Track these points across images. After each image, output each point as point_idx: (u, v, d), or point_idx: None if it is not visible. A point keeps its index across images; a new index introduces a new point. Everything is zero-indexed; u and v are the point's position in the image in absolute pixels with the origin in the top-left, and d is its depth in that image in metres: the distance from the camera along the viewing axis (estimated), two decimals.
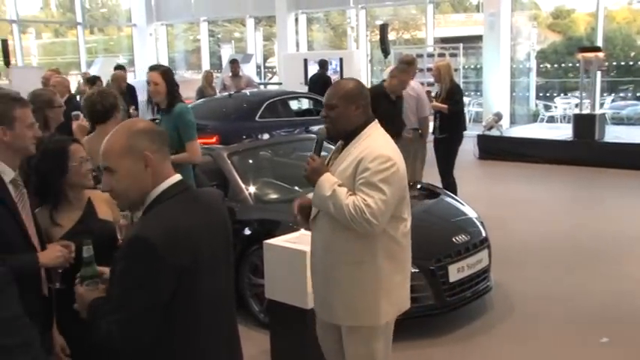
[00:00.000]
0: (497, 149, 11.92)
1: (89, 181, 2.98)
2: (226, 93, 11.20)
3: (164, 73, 4.88)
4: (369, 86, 7.56)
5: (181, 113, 4.78)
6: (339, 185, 2.90)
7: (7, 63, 15.31)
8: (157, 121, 4.93)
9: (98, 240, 2.47)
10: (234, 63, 12.72)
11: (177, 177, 2.13)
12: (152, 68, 4.97)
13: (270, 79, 19.66)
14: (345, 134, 3.03)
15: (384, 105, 6.51)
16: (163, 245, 1.91)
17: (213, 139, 8.02)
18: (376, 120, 3.07)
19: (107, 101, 4.35)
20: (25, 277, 2.46)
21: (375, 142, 2.94)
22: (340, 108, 2.98)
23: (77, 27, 20.67)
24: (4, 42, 15.71)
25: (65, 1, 21.59)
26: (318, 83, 12.47)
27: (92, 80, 9.57)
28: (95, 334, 2.01)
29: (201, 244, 2.02)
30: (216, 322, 2.12)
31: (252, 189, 5.32)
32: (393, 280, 3.04)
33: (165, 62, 21.53)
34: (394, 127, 6.53)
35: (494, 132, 12.50)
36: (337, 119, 3.00)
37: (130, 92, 10.26)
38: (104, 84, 10.08)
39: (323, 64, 13.18)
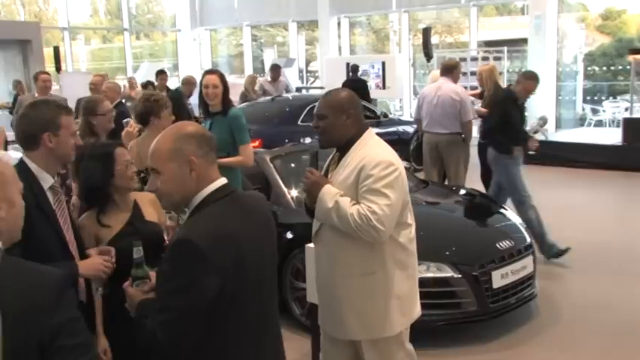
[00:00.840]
0: (542, 154, 11.62)
1: (134, 184, 3.05)
2: (267, 97, 11.28)
3: (222, 76, 4.98)
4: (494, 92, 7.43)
5: (236, 117, 4.87)
6: (341, 196, 2.88)
7: (58, 69, 15.71)
8: (203, 124, 4.99)
9: (146, 241, 2.51)
10: (275, 69, 12.82)
11: (223, 181, 2.15)
12: (210, 72, 5.03)
13: (312, 83, 19.71)
14: (337, 144, 3.01)
15: (515, 111, 6.45)
16: (208, 248, 1.93)
17: (256, 143, 8.08)
18: (370, 128, 3.06)
19: (156, 104, 4.43)
20: None
21: (373, 149, 2.93)
22: (330, 118, 2.96)
23: (124, 33, 21.12)
24: (56, 49, 16.13)
25: (113, 8, 22.06)
26: (351, 89, 12.49)
27: (145, 86, 9.75)
28: (140, 334, 2.04)
29: (245, 247, 2.04)
30: (260, 324, 2.14)
31: (294, 193, 5.34)
32: (403, 287, 3.01)
33: (208, 66, 21.80)
34: (521, 135, 6.50)
35: (539, 136, 12.27)
36: (328, 129, 2.98)
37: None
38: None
39: (355, 69, 13.20)
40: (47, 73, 8.44)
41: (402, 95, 16.82)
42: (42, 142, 2.60)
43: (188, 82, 10.09)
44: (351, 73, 13.37)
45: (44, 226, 2.53)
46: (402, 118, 13.55)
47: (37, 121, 2.62)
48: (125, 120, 4.87)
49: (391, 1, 17.21)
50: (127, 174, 2.98)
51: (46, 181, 2.62)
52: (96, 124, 4.45)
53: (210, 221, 2.03)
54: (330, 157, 3.14)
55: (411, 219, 3.05)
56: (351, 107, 2.98)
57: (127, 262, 2.63)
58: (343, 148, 2.99)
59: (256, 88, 12.46)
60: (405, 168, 6.26)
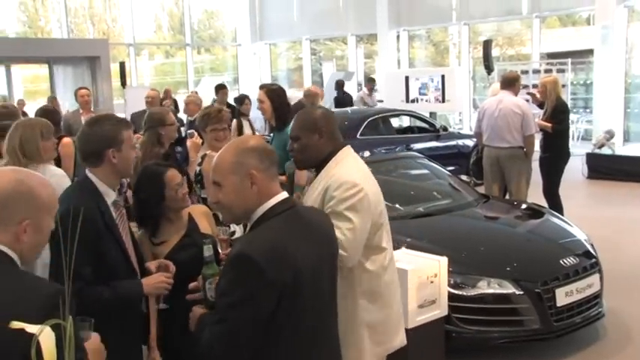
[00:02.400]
0: (609, 168, 11.34)
1: (186, 202, 3.09)
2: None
3: (268, 91, 5.00)
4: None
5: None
6: None
7: (123, 84, 16.22)
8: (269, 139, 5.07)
9: (201, 253, 2.56)
10: (370, 82, 13.23)
11: (284, 195, 2.16)
12: (260, 87, 5.14)
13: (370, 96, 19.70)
14: (314, 164, 2.87)
15: None
16: (266, 262, 1.94)
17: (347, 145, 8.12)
18: (348, 145, 2.90)
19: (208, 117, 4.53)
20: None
21: (341, 169, 2.75)
22: (303, 139, 2.82)
23: (186, 48, 21.65)
24: (122, 64, 16.67)
25: (176, 24, 22.65)
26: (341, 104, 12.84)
27: (240, 99, 9.66)
28: (198, 346, 2.08)
29: (304, 262, 2.04)
30: (316, 338, 2.14)
31: None
32: (376, 316, 2.80)
33: (268, 80, 22.12)
34: None
35: (606, 150, 11.92)
36: (302, 150, 2.83)
37: None
38: (210, 102, 10.48)
39: (341, 85, 13.31)
40: (86, 89, 8.72)
41: (461, 108, 16.62)
42: (106, 159, 2.63)
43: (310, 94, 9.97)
44: (336, 90, 13.59)
45: (109, 241, 2.59)
46: (461, 131, 13.39)
47: (100, 137, 2.66)
48: (190, 131, 5.02)
49: (451, 13, 17.10)
50: (177, 197, 3.04)
51: (109, 196, 2.67)
52: (164, 134, 4.62)
53: (269, 236, 2.04)
54: (311, 176, 3.03)
55: (386, 242, 2.83)
56: (325, 125, 2.82)
57: (184, 274, 2.70)
58: (319, 168, 2.85)
59: (355, 99, 12.89)
60: (465, 182, 6.27)
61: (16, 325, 1.33)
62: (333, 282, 2.25)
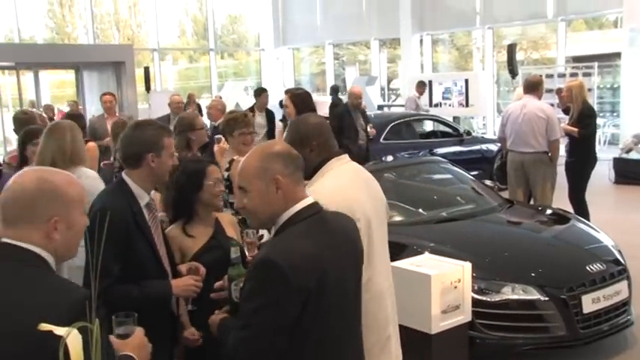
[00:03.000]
0: (636, 173, 11.18)
1: (219, 202, 3.14)
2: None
3: (293, 96, 5.04)
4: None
5: None
6: None
7: (147, 88, 16.37)
8: None
9: (228, 256, 2.58)
10: (421, 85, 13.30)
11: (309, 200, 2.16)
12: (285, 91, 5.18)
13: (394, 101, 19.66)
14: (308, 175, 2.64)
15: None
16: (290, 268, 1.94)
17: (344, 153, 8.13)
18: (334, 158, 2.69)
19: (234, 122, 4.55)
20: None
21: (316, 185, 2.58)
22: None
23: (209, 53, 21.81)
24: (146, 69, 16.84)
25: (199, 29, 22.83)
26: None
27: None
28: (223, 350, 2.09)
29: (328, 267, 2.04)
30: (341, 344, 2.13)
31: None
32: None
33: (291, 85, 22.19)
34: None
35: (634, 155, 11.75)
36: None
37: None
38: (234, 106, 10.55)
39: (335, 90, 13.28)
40: (110, 94, 8.82)
41: (485, 113, 16.52)
42: (145, 162, 2.70)
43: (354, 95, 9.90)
44: (331, 95, 13.56)
45: (141, 242, 2.64)
46: (485, 136, 13.31)
47: (141, 141, 2.73)
48: (217, 136, 5.06)
49: (475, 17, 17.01)
50: (214, 190, 3.09)
51: (143, 198, 2.73)
52: (194, 138, 4.68)
53: (294, 241, 2.05)
54: None
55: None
56: (314, 138, 2.65)
57: (209, 276, 2.72)
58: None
59: (405, 103, 12.91)
60: (489, 187, 6.22)
61: (44, 327, 1.34)
62: (357, 285, 2.24)
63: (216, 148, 4.97)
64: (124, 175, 2.77)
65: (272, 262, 1.96)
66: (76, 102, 14.25)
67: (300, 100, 5.00)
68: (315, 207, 2.16)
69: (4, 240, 1.73)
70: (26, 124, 5.21)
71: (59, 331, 1.32)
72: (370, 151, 8.85)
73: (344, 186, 2.63)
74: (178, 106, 8.52)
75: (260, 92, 9.69)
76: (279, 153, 2.16)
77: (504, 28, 17.25)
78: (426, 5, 17.63)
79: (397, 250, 4.68)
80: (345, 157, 2.78)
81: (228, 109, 7.10)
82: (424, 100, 14.52)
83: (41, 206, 1.74)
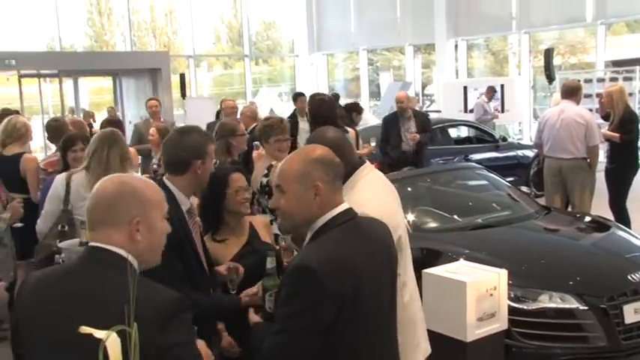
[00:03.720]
0: None
1: (245, 209, 3.11)
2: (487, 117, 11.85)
3: (309, 102, 5.11)
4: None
5: None
6: None
7: (183, 95, 16.58)
8: None
9: (264, 261, 2.59)
10: (490, 90, 13.15)
11: (345, 206, 2.17)
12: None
13: (429, 106, 19.57)
14: None
15: None
16: (326, 273, 1.95)
17: (373, 167, 8.10)
18: (361, 168, 2.72)
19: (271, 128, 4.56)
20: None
21: (355, 198, 2.50)
22: None
23: (244, 59, 21.99)
24: (182, 76, 17.06)
25: (234, 35, 23.04)
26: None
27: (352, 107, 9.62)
28: (258, 354, 2.10)
29: (363, 273, 2.04)
30: (378, 349, 2.13)
31: (410, 217, 5.29)
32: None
33: (325, 91, 22.23)
34: None
35: None
36: None
37: None
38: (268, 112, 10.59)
39: (336, 98, 13.08)
40: (156, 99, 9.00)
41: (521, 119, 16.33)
42: (192, 169, 2.69)
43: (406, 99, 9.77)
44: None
45: (187, 248, 2.64)
46: (521, 142, 13.14)
47: (189, 147, 2.72)
48: (256, 142, 5.10)
49: (511, 22, 16.82)
50: (236, 198, 3.07)
51: (185, 204, 2.73)
52: (235, 144, 4.71)
53: (329, 247, 2.05)
54: None
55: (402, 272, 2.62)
56: (337, 150, 2.48)
57: (245, 280, 2.73)
58: None
59: (473, 108, 13.03)
60: (525, 193, 6.14)
61: (84, 330, 1.36)
62: (392, 291, 2.24)
63: (255, 154, 5.01)
64: (165, 180, 2.75)
65: (308, 268, 1.97)
66: (113, 108, 14.51)
67: (315, 106, 5.05)
68: (349, 213, 2.17)
69: (92, 244, 1.78)
70: (57, 131, 5.35)
71: (99, 334, 1.34)
72: (423, 156, 8.69)
73: (381, 199, 2.66)
74: (232, 112, 8.51)
75: (297, 97, 9.50)
76: (322, 159, 2.16)
77: (541, 32, 17.03)
78: (461, 10, 17.51)
79: (432, 257, 4.65)
80: (368, 165, 2.80)
81: (263, 115, 7.13)
82: (461, 105, 14.42)
83: (122, 207, 1.78)
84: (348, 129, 6.43)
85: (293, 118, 8.54)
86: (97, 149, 3.93)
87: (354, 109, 9.52)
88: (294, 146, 5.10)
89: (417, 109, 10.11)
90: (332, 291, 1.96)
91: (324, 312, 1.97)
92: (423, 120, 8.96)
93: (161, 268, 1.86)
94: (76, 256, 1.83)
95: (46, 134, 6.37)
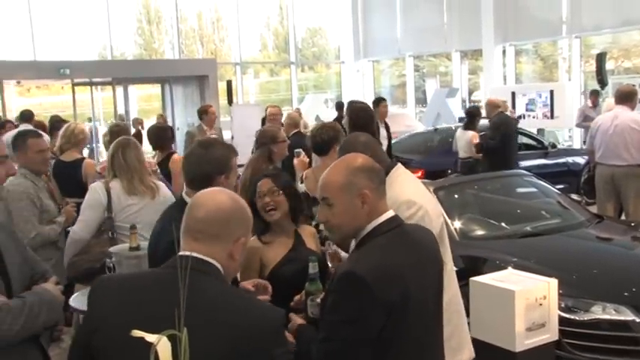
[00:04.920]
0: None
1: (268, 216, 3.06)
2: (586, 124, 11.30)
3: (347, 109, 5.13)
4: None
5: None
6: None
7: (229, 101, 16.78)
8: None
9: (307, 268, 2.58)
10: (595, 94, 12.73)
11: (391, 213, 2.16)
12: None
13: None
14: None
15: None
16: (374, 282, 1.94)
17: (419, 174, 8.04)
18: (398, 164, 2.80)
19: (327, 134, 4.54)
20: None
21: (396, 190, 2.60)
22: None
23: (290, 66, 22.14)
24: (229, 83, 17.28)
25: (280, 42, 23.23)
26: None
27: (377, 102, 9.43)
28: (303, 358, 2.10)
29: (410, 281, 2.03)
30: (425, 353, 2.13)
31: (457, 224, 5.22)
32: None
33: (371, 97, 22.19)
34: None
35: None
36: None
37: None
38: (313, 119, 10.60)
39: (339, 106, 12.92)
40: (212, 106, 9.11)
41: (571, 125, 15.97)
42: (214, 184, 2.56)
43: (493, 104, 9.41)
44: (337, 111, 13.40)
45: None
46: (571, 148, 12.86)
47: (211, 161, 2.66)
48: (296, 150, 5.11)
49: (561, 26, 16.51)
50: (260, 204, 3.04)
51: None
52: (276, 151, 4.73)
53: (376, 254, 2.05)
54: None
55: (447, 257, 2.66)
56: (368, 150, 2.57)
57: (288, 288, 2.72)
58: None
59: (578, 112, 12.51)
60: (576, 201, 6.00)
61: (136, 333, 1.38)
62: (438, 298, 2.22)
63: (296, 161, 5.01)
64: (184, 195, 2.70)
65: (356, 276, 1.96)
66: (162, 115, 14.80)
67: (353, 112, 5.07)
68: (395, 220, 2.16)
69: (192, 254, 1.73)
70: (119, 136, 5.45)
71: (150, 338, 1.35)
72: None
73: (423, 192, 2.76)
74: (274, 118, 8.54)
75: (378, 102, 8.87)
76: (364, 167, 2.15)
77: (593, 36, 16.65)
78: (509, 15, 17.26)
79: (479, 265, 4.58)
80: (400, 167, 2.81)
81: (310, 122, 7.16)
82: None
83: (234, 225, 1.79)
84: None
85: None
86: (114, 155, 4.01)
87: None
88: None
89: (509, 113, 9.98)
90: (380, 299, 1.94)
91: (373, 320, 1.95)
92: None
93: None
94: (130, 266, 1.83)
95: (96, 139, 6.51)
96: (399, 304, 1.98)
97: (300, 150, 5.07)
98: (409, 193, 2.67)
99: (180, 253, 1.73)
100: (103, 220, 3.92)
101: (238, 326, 1.64)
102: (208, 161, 2.66)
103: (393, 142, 8.98)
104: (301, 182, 4.33)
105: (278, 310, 1.79)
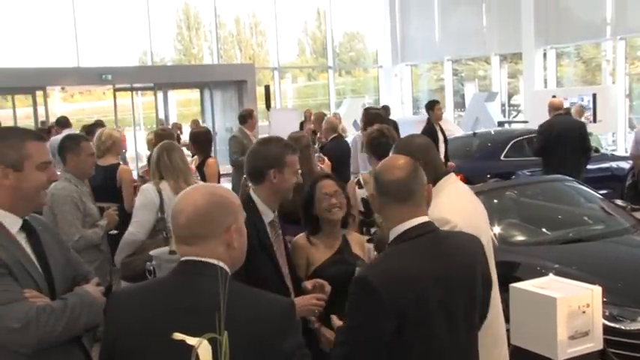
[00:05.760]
0: None
1: (332, 216, 3.15)
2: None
3: (365, 115, 5.17)
4: None
5: None
6: None
7: (268, 106, 16.89)
8: None
9: (350, 272, 2.59)
10: None
11: (421, 219, 2.15)
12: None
13: (515, 117, 19.08)
14: None
15: None
16: (383, 287, 1.97)
17: (458, 178, 7.96)
18: (449, 174, 2.72)
19: (379, 139, 4.55)
20: None
21: (434, 203, 2.49)
22: None
23: (328, 70, 22.18)
24: (267, 87, 17.39)
25: (318, 47, 23.30)
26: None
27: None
28: None
29: (430, 288, 2.04)
30: None
31: (497, 230, 5.15)
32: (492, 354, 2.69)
33: (409, 102, 22.14)
34: None
35: None
36: None
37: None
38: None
39: (386, 110, 12.87)
40: (254, 110, 9.19)
41: (615, 129, 15.65)
42: (267, 178, 2.74)
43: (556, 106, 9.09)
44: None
45: (263, 260, 2.68)
46: (615, 153, 12.59)
47: (265, 156, 2.79)
48: (318, 154, 5.15)
49: (605, 28, 16.17)
50: (322, 205, 3.14)
51: (268, 215, 2.78)
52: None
53: (392, 260, 2.08)
54: None
55: None
56: (420, 158, 2.48)
57: (334, 289, 2.74)
58: None
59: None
60: (620, 207, 5.86)
61: (177, 336, 1.40)
62: (470, 307, 2.19)
63: (322, 165, 5.03)
64: (251, 192, 2.82)
65: (366, 281, 2.01)
66: (194, 121, 14.95)
67: (371, 117, 5.09)
68: (426, 227, 2.15)
69: (188, 258, 1.79)
70: (163, 140, 5.53)
71: (191, 340, 1.37)
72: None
73: (468, 205, 2.68)
74: (310, 119, 8.57)
75: (433, 105, 8.87)
76: (378, 171, 2.23)
77: (639, 37, 16.28)
78: (550, 18, 16.99)
79: (519, 271, 4.51)
80: (452, 175, 2.78)
81: (348, 127, 7.18)
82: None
83: (218, 218, 1.81)
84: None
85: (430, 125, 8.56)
86: (160, 158, 4.12)
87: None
88: None
89: (575, 115, 9.88)
90: (390, 304, 1.96)
91: (383, 325, 1.98)
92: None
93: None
94: (169, 269, 1.87)
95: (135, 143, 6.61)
96: (414, 311, 1.98)
97: (322, 155, 5.13)
98: (445, 210, 2.55)
99: (183, 258, 1.80)
100: (156, 221, 4.01)
101: (250, 319, 1.66)
102: (262, 157, 2.80)
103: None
104: (360, 187, 4.34)
105: (285, 299, 1.84)
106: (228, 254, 1.80)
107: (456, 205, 2.65)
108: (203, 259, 1.77)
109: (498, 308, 2.93)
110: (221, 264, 1.75)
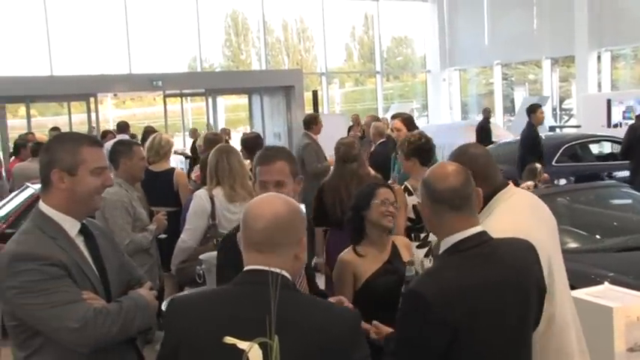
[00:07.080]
0: None
1: (387, 223, 3.11)
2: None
3: (404, 120, 5.18)
4: None
5: None
6: None
7: (315, 111, 16.96)
8: None
9: (401, 281, 2.57)
10: None
11: (476, 230, 2.10)
12: (393, 116, 5.32)
13: (567, 121, 18.68)
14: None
15: None
16: (435, 300, 1.93)
17: (516, 190, 7.83)
18: (507, 187, 2.51)
19: (428, 144, 4.53)
20: None
21: (489, 218, 2.39)
22: None
23: (376, 75, 22.15)
24: (315, 93, 17.47)
25: (366, 52, 23.29)
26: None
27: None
28: None
29: (481, 302, 2.00)
30: None
31: None
32: None
33: (457, 106, 21.93)
34: None
35: None
36: None
37: None
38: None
39: (487, 113, 12.75)
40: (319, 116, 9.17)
41: None
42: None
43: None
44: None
45: None
46: None
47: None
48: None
49: None
50: (380, 209, 3.09)
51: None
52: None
53: (444, 273, 2.05)
54: None
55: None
56: (471, 168, 2.28)
57: (382, 300, 2.71)
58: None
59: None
60: None
61: (229, 340, 1.41)
62: (522, 322, 2.13)
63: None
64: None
65: (417, 294, 1.98)
66: (227, 129, 15.06)
67: (410, 122, 5.12)
68: (478, 238, 2.10)
69: (258, 267, 1.75)
70: (216, 144, 5.59)
71: (242, 345, 1.37)
72: None
73: (522, 224, 2.42)
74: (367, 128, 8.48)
75: (535, 109, 8.81)
76: (425, 181, 2.17)
77: None
78: (605, 19, 16.57)
79: (572, 279, 4.39)
80: (511, 187, 2.59)
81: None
82: (604, 120, 13.61)
83: (296, 228, 1.81)
84: None
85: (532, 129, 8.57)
86: (218, 161, 4.10)
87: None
88: None
89: None
90: (441, 318, 1.93)
91: (433, 339, 1.95)
92: None
93: None
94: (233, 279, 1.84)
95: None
96: (466, 326, 1.95)
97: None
98: (498, 228, 2.27)
99: (248, 267, 1.77)
100: (207, 227, 4.03)
101: (322, 329, 1.66)
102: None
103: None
104: (409, 195, 4.30)
105: (354, 310, 1.87)
106: (292, 265, 1.79)
107: (510, 222, 2.40)
108: (272, 270, 1.72)
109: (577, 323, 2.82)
110: (284, 272, 1.74)
